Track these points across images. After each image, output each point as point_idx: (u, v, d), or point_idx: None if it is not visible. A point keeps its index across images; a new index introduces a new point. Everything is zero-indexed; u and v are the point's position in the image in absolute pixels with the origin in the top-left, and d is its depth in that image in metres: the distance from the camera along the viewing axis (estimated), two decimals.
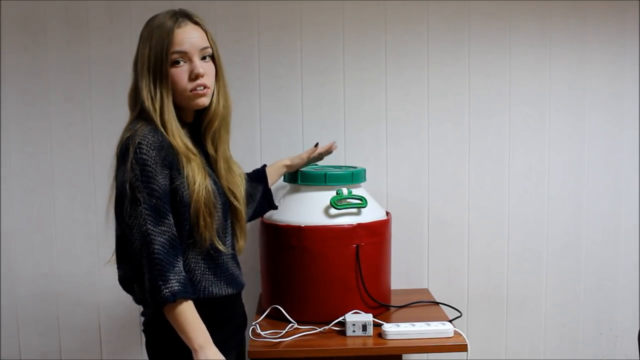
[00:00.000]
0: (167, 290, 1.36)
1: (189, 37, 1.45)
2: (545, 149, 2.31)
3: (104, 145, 2.21)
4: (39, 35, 2.20)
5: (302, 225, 1.88)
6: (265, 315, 1.94)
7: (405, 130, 2.28)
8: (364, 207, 1.93)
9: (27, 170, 2.25)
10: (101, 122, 2.23)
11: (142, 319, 1.56)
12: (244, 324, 1.70)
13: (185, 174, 1.44)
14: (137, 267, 1.41)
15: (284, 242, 1.91)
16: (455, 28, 2.26)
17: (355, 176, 2.00)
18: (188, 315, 1.39)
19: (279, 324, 1.88)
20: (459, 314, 2.01)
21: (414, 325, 1.79)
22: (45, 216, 2.26)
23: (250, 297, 2.17)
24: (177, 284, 1.37)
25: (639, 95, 2.32)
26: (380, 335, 1.79)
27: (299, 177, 2.00)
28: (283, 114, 2.26)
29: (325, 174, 1.96)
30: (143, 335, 1.57)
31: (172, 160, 1.42)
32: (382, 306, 1.99)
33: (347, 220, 1.90)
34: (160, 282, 1.36)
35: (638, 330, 2.23)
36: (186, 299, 1.39)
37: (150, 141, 1.40)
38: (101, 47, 2.21)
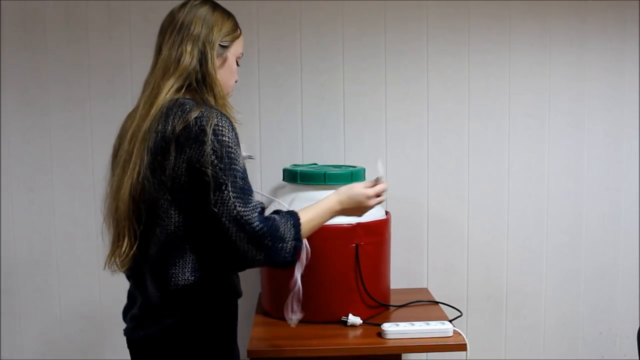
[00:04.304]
0: (291, 242, 1.34)
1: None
2: (545, 149, 2.31)
3: (103, 145, 2.20)
4: (39, 35, 2.20)
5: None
6: (266, 316, 1.94)
7: (405, 130, 2.28)
8: None
9: (27, 170, 2.25)
10: (101, 121, 2.23)
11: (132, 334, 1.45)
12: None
13: None
14: (234, 254, 1.31)
15: None
16: (455, 28, 2.26)
17: (355, 176, 1.99)
18: (311, 216, 1.41)
19: (279, 323, 1.88)
20: (460, 314, 2.01)
21: (413, 324, 1.78)
22: (45, 216, 2.27)
23: (250, 297, 2.17)
24: (291, 236, 1.35)
25: (638, 95, 2.32)
26: (379, 334, 1.79)
27: (299, 177, 2.00)
28: (283, 114, 2.26)
29: (325, 174, 1.96)
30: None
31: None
32: (381, 306, 1.98)
33: (346, 219, 1.90)
34: (280, 244, 1.32)
35: (638, 330, 2.23)
36: (298, 238, 1.36)
37: (227, 122, 1.31)
38: (101, 47, 2.21)
